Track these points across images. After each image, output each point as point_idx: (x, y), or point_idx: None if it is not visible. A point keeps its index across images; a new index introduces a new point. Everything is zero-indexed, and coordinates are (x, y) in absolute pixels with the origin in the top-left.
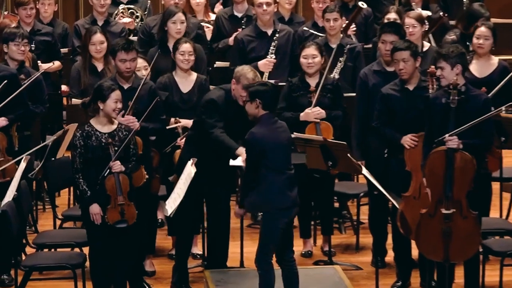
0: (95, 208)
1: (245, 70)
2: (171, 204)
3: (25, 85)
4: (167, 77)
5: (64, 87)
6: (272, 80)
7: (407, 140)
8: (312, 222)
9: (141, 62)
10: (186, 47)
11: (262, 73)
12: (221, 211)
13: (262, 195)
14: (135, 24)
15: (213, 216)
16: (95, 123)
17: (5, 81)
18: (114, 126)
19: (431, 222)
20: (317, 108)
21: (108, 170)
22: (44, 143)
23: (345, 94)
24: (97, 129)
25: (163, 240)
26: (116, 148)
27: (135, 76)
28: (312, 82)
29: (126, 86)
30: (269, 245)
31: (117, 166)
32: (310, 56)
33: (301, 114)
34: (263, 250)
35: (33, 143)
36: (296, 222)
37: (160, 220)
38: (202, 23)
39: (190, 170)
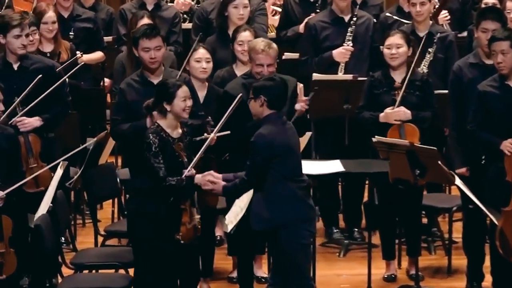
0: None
1: (254, 42)
2: (232, 219)
3: (63, 79)
4: (226, 71)
5: (107, 81)
6: (350, 75)
7: (508, 145)
8: (397, 241)
9: (203, 53)
10: (245, 36)
11: (337, 65)
12: None
13: (277, 207)
14: (192, 4)
15: None
16: (165, 126)
17: (40, 76)
18: (181, 130)
19: None
20: (401, 108)
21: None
22: (84, 146)
23: (436, 92)
24: (168, 133)
25: (223, 260)
26: (191, 156)
27: (164, 68)
28: (398, 77)
29: (155, 81)
30: (306, 266)
31: (200, 179)
32: (394, 46)
33: (381, 114)
34: (302, 274)
35: (57, 147)
36: (377, 240)
37: (218, 238)
38: (271, 6)
39: None
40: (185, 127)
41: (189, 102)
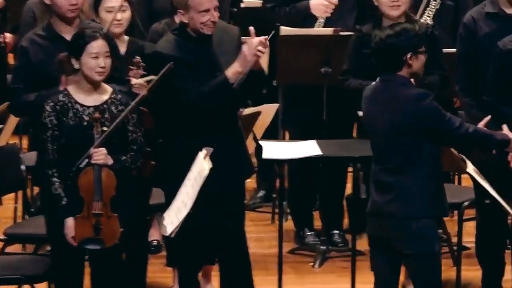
0: (71, 224)
1: None
2: (173, 218)
3: None
4: (165, 24)
5: (8, 37)
6: (330, 29)
7: None
8: None
9: (117, 0)
10: None
11: (314, 19)
12: (240, 228)
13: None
14: None
15: (230, 236)
16: (74, 91)
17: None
18: (105, 97)
19: None
20: None
21: (87, 160)
22: None
23: (444, 50)
24: (77, 100)
25: (160, 273)
26: (104, 129)
27: (81, 21)
28: None
29: (68, 36)
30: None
31: (99, 155)
32: None
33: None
34: None
35: None
36: (363, 246)
37: (155, 243)
38: None
39: (202, 166)
40: (118, 93)
41: (103, 62)
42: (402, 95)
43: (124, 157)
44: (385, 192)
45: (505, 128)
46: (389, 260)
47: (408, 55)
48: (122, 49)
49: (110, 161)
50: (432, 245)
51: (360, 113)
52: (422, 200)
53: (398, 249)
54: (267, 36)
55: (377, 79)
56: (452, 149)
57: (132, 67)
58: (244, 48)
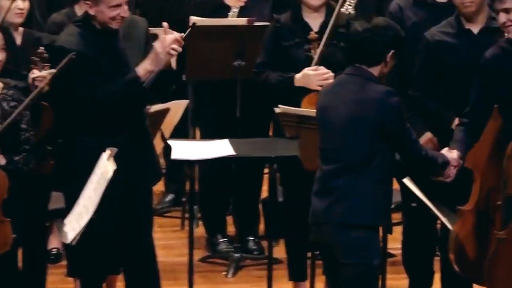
0: None
1: None
2: (74, 225)
3: None
4: (65, 14)
5: None
6: (244, 19)
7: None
8: (309, 255)
9: None
10: None
11: (227, 8)
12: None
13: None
14: None
15: (136, 243)
16: None
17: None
18: None
19: None
20: (322, 68)
21: None
22: None
23: None
24: None
25: (60, 283)
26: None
27: None
28: (314, 22)
29: None
30: None
31: None
32: None
33: (297, 76)
34: None
35: None
36: (281, 253)
37: (54, 251)
38: None
39: (106, 168)
40: (9, 89)
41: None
42: (370, 89)
43: (17, 157)
44: (327, 195)
45: (445, 150)
46: (331, 267)
47: (390, 53)
48: (17, 41)
49: (2, 161)
50: (370, 257)
51: (277, 110)
52: (366, 207)
53: (336, 257)
54: (183, 34)
55: (344, 71)
56: None
57: (35, 58)
58: (157, 45)
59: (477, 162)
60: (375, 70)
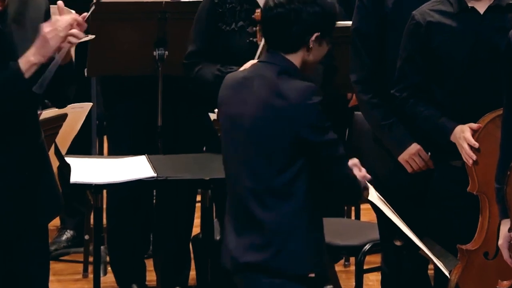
0: None
1: None
2: None
3: None
4: None
5: None
6: None
7: (467, 135)
8: None
9: None
10: None
11: None
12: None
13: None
14: None
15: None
16: None
17: None
18: None
19: None
20: None
21: None
22: None
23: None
24: None
25: None
26: None
27: None
28: None
29: None
30: None
31: None
32: None
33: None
34: None
35: None
36: None
37: None
38: None
39: None
40: None
41: None
42: (284, 86)
43: None
44: (241, 232)
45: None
46: None
47: (314, 36)
48: None
49: None
50: None
51: (213, 115)
52: (288, 250)
53: None
54: (85, 14)
55: (260, 58)
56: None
57: None
58: (45, 28)
59: (487, 185)
60: (294, 59)
